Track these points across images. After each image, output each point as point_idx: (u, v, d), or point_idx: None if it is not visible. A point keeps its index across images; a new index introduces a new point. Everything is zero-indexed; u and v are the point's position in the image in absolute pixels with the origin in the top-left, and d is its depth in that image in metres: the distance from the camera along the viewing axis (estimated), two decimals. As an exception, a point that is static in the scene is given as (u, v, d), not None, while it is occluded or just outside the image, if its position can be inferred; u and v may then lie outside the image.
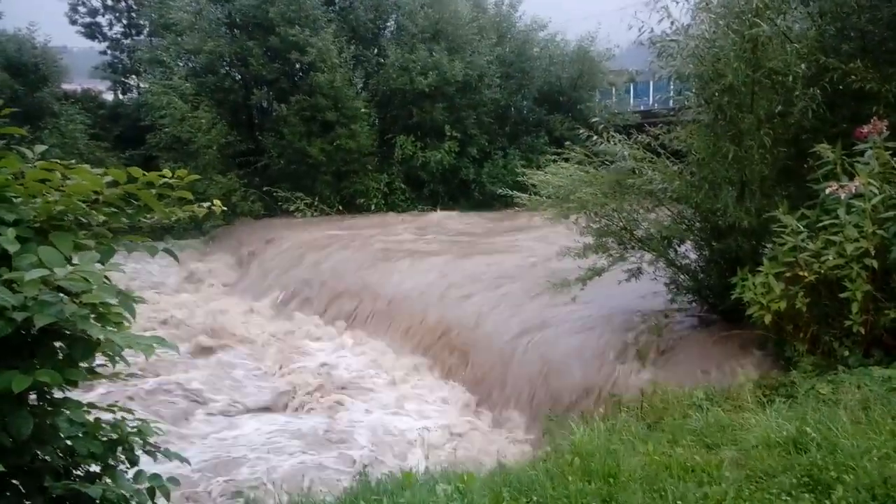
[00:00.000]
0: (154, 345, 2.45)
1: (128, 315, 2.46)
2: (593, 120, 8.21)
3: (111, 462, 2.64)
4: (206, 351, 10.67)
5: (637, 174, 7.27)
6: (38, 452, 2.44)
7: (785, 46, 6.32)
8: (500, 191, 11.38)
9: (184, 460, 2.90)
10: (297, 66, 22.34)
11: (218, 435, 7.69)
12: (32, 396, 2.44)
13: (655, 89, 26.12)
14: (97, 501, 2.47)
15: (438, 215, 22.32)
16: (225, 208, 3.35)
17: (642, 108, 27.09)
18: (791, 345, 5.72)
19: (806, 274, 5.36)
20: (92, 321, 2.29)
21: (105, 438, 2.64)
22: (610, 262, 7.87)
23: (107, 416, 2.76)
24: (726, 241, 6.86)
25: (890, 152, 5.40)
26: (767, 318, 5.58)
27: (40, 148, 2.68)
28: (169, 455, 2.83)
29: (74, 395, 2.61)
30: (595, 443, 3.95)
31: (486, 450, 6.94)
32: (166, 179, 2.76)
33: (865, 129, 5.57)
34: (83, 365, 2.44)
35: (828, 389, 4.62)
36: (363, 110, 22.48)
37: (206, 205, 3.04)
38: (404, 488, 3.41)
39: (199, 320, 12.26)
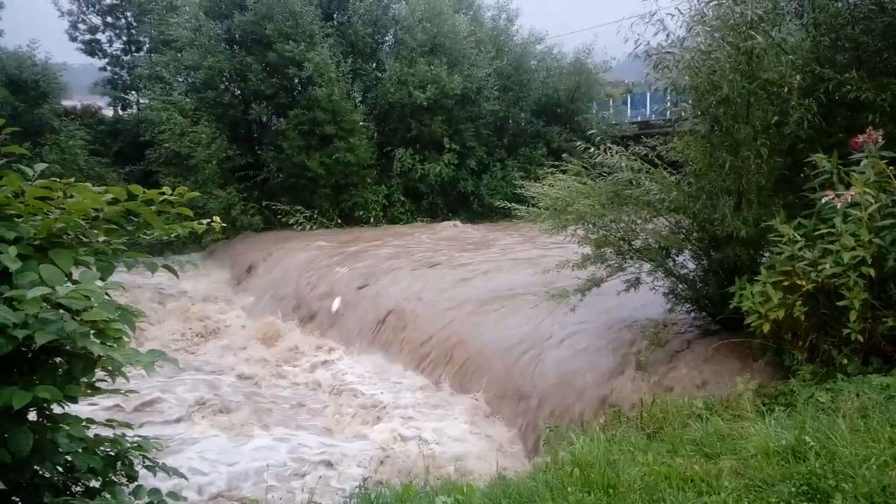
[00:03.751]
0: (155, 360, 2.47)
1: (128, 330, 2.48)
2: (590, 132, 8.24)
3: (111, 477, 2.65)
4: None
5: (634, 185, 7.29)
6: (38, 468, 2.45)
7: (780, 58, 6.37)
8: (499, 203, 11.41)
9: (181, 476, 2.90)
10: (296, 80, 22.45)
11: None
12: (32, 414, 2.45)
13: (652, 101, 26.30)
14: (97, 517, 2.48)
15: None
16: (224, 224, 3.38)
17: (639, 119, 27.27)
18: (790, 353, 5.72)
19: (803, 283, 5.37)
20: (92, 338, 2.30)
21: (104, 454, 2.65)
22: (608, 273, 7.89)
23: (106, 432, 2.77)
24: (724, 250, 6.87)
25: (885, 161, 5.42)
26: (766, 327, 5.59)
27: (41, 166, 2.71)
28: (167, 470, 2.84)
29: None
30: (595, 453, 3.95)
31: (483, 459, 6.93)
32: (166, 196, 2.79)
33: (861, 138, 5.59)
34: (83, 380, 2.45)
35: (827, 398, 4.62)
36: (362, 124, 22.57)
37: (205, 221, 3.07)
38: (404, 501, 3.41)
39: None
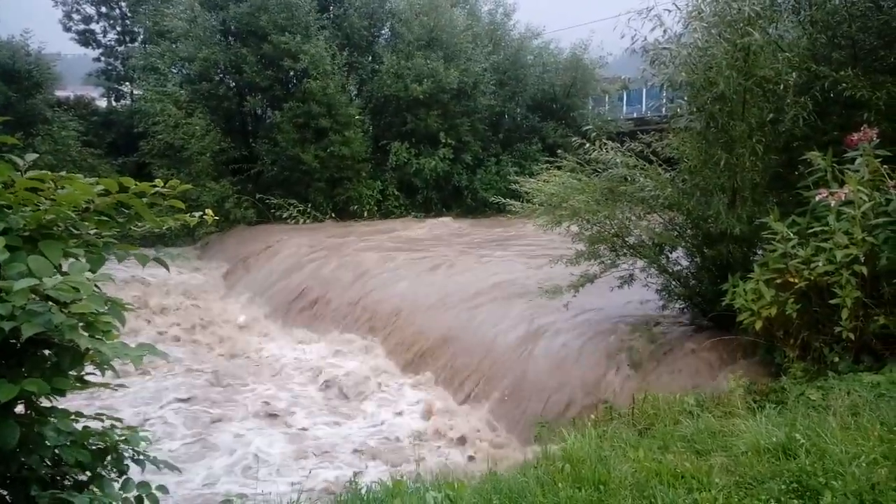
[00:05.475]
0: (143, 354, 2.45)
1: (117, 323, 2.46)
2: (586, 128, 8.24)
3: (99, 471, 2.63)
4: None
5: (629, 181, 7.30)
6: (25, 461, 2.43)
7: (776, 55, 6.38)
8: (493, 198, 11.40)
9: (172, 468, 2.88)
10: (291, 73, 22.40)
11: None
12: (19, 406, 2.42)
13: (648, 97, 26.28)
14: (85, 510, 2.46)
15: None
16: (217, 217, 3.35)
17: (635, 115, 27.19)
18: (781, 351, 5.74)
19: (796, 280, 5.38)
20: (80, 330, 2.28)
21: (93, 447, 2.63)
22: (602, 269, 7.89)
23: (95, 425, 2.75)
24: (718, 247, 6.88)
25: (880, 160, 5.43)
26: (758, 325, 5.60)
27: (32, 156, 2.67)
28: (157, 464, 2.82)
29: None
30: (586, 449, 3.96)
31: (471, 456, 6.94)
32: (157, 189, 2.76)
33: (856, 136, 5.61)
34: (72, 373, 2.43)
35: (818, 395, 4.64)
36: (357, 117, 22.51)
37: (197, 214, 3.03)
38: (394, 496, 3.40)
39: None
